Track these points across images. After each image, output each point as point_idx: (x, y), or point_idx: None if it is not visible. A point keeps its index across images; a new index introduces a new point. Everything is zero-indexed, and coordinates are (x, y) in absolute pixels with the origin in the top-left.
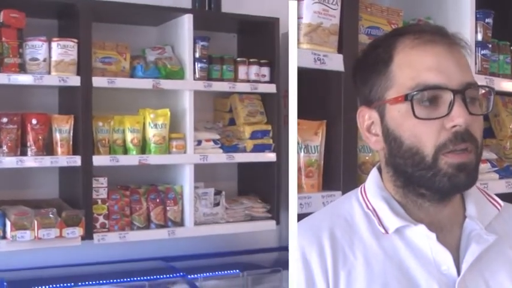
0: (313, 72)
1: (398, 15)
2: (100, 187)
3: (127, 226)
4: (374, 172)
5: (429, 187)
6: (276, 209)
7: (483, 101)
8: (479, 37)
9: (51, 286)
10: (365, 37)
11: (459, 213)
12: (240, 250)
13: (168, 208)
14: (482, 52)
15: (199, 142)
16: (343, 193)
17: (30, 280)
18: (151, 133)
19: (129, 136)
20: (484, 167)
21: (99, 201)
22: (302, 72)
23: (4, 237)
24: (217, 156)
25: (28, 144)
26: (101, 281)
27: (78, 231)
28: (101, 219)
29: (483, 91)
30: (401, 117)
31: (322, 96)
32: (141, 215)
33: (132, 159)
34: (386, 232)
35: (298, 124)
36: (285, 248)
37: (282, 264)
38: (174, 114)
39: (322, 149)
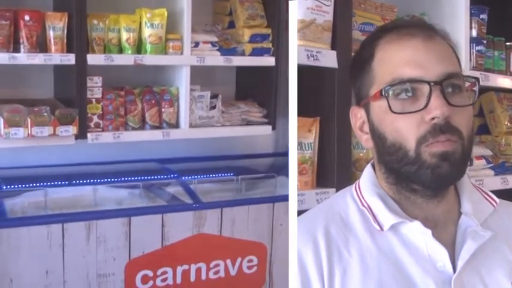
0: (306, 68)
1: (392, 11)
2: (94, 86)
3: (121, 126)
4: (368, 169)
5: (416, 182)
6: (273, 114)
7: (471, 92)
8: (474, 33)
9: (45, 184)
10: (359, 33)
11: (454, 210)
12: (235, 154)
13: (163, 110)
14: (477, 48)
15: (196, 44)
16: (337, 190)
17: (25, 178)
18: (147, 33)
19: (124, 35)
20: (479, 163)
21: (94, 100)
22: None
23: None
24: (215, 59)
25: (21, 41)
26: (94, 181)
27: (72, 129)
28: (95, 118)
29: (468, 83)
30: (382, 113)
31: (316, 93)
32: (135, 115)
33: (127, 58)
34: (382, 229)
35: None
36: (280, 154)
37: (277, 170)
38: (172, 15)
39: (315, 146)
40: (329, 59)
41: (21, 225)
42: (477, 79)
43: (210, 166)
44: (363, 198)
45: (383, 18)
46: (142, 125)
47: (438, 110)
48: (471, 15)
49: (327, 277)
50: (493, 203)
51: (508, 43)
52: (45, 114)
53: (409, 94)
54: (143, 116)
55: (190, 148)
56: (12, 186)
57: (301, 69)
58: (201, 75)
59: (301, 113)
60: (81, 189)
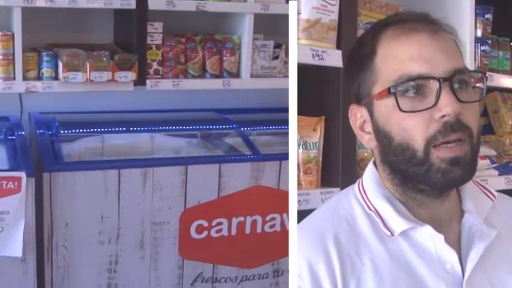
0: (311, 68)
1: (397, 10)
2: (155, 32)
3: (181, 74)
4: (371, 169)
5: (424, 182)
6: None
7: (477, 88)
8: (479, 33)
9: (102, 129)
10: None
11: (456, 207)
12: None
13: (224, 58)
14: (482, 48)
15: None
16: (342, 190)
17: (82, 123)
18: None
19: None
20: (483, 163)
21: (154, 46)
22: (300, 68)
23: (56, 78)
24: (279, 7)
25: None
26: (152, 128)
27: (131, 75)
28: (155, 65)
29: (474, 79)
30: (388, 112)
31: (321, 93)
32: (196, 63)
33: (189, 4)
34: (392, 234)
35: (297, 120)
36: None
37: None
38: None
39: (320, 146)
40: (334, 59)
41: (78, 170)
42: (484, 73)
43: (270, 118)
44: (369, 201)
45: None
46: (202, 73)
47: (449, 107)
48: (476, 15)
49: None
50: (492, 197)
51: None
52: (105, 59)
53: (418, 92)
54: (204, 64)
55: (250, 99)
56: (70, 131)
57: (306, 68)
58: (264, 24)
59: (306, 112)
60: (139, 136)
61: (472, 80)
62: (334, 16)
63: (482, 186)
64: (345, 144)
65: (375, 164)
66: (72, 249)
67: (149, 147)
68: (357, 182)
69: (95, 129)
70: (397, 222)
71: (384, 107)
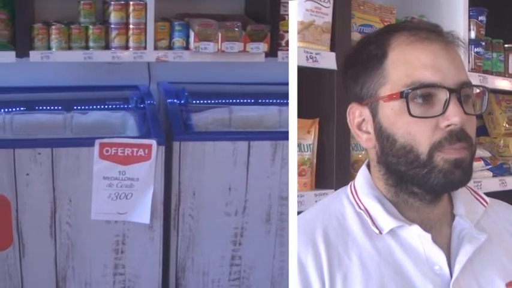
0: (305, 70)
1: (391, 13)
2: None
3: None
4: (364, 170)
5: (423, 185)
6: None
7: (477, 101)
8: (473, 35)
9: (230, 100)
10: (358, 35)
11: (447, 212)
12: None
13: None
14: (476, 50)
15: None
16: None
17: (211, 93)
18: None
19: None
20: (477, 165)
21: (287, 17)
22: None
23: (187, 48)
24: None
25: None
26: (281, 101)
27: (263, 47)
28: (287, 36)
29: (477, 91)
30: (394, 115)
31: (315, 95)
32: None
33: None
34: (380, 232)
35: None
36: None
37: None
38: None
39: (315, 148)
40: (328, 61)
41: (208, 140)
42: (487, 89)
43: None
44: (360, 200)
45: (382, 20)
46: None
47: (457, 117)
48: (470, 16)
49: (328, 283)
50: (484, 203)
51: (506, 45)
52: (237, 29)
53: (426, 99)
54: None
55: None
56: (199, 101)
57: (300, 70)
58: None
59: (300, 114)
60: (267, 109)
61: (477, 91)
62: (328, 18)
63: (474, 192)
64: (339, 146)
65: (367, 166)
66: (199, 219)
67: (277, 121)
68: (350, 184)
69: (224, 100)
70: (386, 221)
71: (391, 109)
